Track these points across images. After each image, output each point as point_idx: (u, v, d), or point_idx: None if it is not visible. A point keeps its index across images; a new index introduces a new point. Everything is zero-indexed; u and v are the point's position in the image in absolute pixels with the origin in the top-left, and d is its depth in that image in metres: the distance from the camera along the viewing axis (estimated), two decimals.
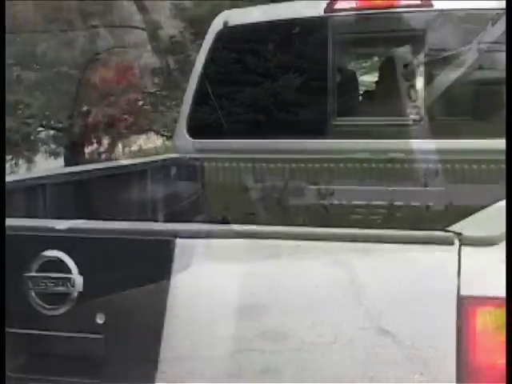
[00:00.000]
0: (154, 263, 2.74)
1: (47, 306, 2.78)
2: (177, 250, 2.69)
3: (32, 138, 13.50)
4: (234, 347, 2.65)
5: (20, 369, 2.85)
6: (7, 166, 13.25)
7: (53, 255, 2.78)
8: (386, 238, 2.61)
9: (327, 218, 4.69)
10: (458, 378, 2.47)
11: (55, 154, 13.78)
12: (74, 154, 13.73)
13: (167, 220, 4.55)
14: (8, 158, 13.29)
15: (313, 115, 4.89)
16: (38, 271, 2.79)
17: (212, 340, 2.68)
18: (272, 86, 5.10)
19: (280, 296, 2.64)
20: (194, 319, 2.70)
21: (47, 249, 2.79)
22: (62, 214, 3.67)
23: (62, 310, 2.77)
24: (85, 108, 13.53)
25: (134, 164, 4.85)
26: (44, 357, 2.85)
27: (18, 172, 13.19)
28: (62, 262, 2.77)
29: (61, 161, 13.74)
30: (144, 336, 2.73)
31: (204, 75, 4.98)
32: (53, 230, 2.83)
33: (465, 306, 2.47)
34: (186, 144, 5.00)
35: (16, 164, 13.43)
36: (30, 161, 13.47)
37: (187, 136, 5.00)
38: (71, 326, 2.78)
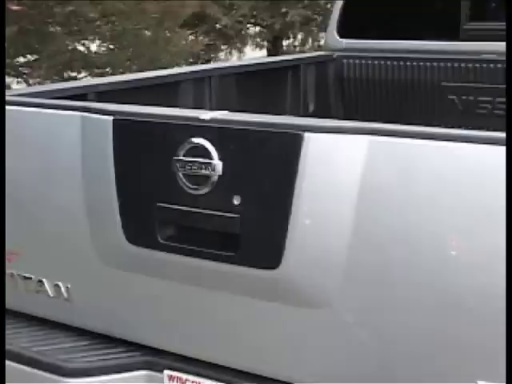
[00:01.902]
0: (284, 154, 2.32)
1: (191, 186, 2.41)
2: (305, 144, 2.26)
3: (243, 32, 13.15)
4: (357, 239, 2.22)
5: (168, 238, 2.51)
6: (222, 54, 13.04)
7: (198, 142, 2.39)
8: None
9: (456, 111, 4.11)
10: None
11: (260, 46, 13.44)
12: (274, 47, 13.36)
13: (313, 113, 4.08)
14: (224, 47, 13.08)
15: (447, 19, 4.25)
16: (185, 155, 2.41)
17: (335, 229, 2.25)
18: None
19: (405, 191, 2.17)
20: (318, 208, 2.28)
21: (193, 136, 2.40)
22: (222, 105, 3.26)
23: (203, 191, 2.40)
24: (284, 9, 13.05)
25: (289, 60, 4.32)
26: (188, 229, 2.50)
27: (231, 59, 12.97)
28: (205, 148, 2.38)
29: (264, 52, 13.39)
30: (274, 217, 2.34)
31: None
32: (198, 119, 2.42)
33: None
34: (335, 43, 4.43)
35: (230, 53, 13.17)
36: (240, 51, 13.18)
37: (336, 36, 4.41)
38: (211, 205, 2.41)
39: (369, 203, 2.21)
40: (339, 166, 2.24)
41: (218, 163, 2.36)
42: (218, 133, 2.38)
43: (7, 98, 2.83)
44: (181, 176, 2.41)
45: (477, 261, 2.09)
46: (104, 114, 2.55)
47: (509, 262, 2.00)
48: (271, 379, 2.46)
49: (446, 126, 2.27)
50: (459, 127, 2.35)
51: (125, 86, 3.21)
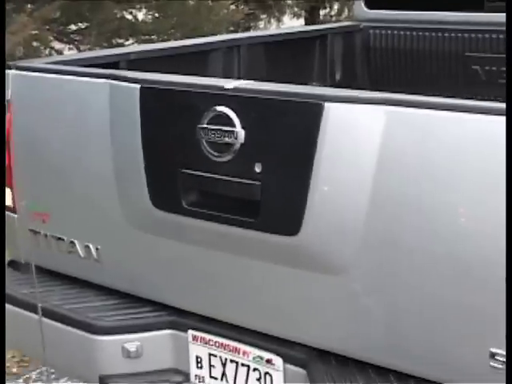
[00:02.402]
0: (305, 123, 2.21)
1: (215, 154, 2.32)
2: (325, 113, 2.15)
3: (281, 2, 12.87)
4: (374, 206, 2.12)
5: (192, 203, 2.42)
6: (261, 23, 12.80)
7: (221, 110, 2.29)
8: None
9: (479, 81, 3.94)
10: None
11: (297, 16, 13.12)
12: (311, 16, 13.08)
13: (339, 83, 3.93)
14: (263, 16, 12.83)
15: None
16: (208, 123, 2.31)
17: (353, 196, 2.15)
18: None
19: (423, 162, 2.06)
20: (337, 176, 2.18)
21: (217, 105, 2.30)
22: (250, 74, 3.14)
23: (226, 158, 2.31)
24: None
25: (317, 29, 4.16)
26: (211, 196, 2.41)
27: (270, 28, 12.71)
28: (228, 116, 2.28)
29: (301, 21, 13.11)
30: (294, 184, 2.23)
31: None
32: (222, 88, 2.31)
33: None
34: (362, 13, 4.24)
35: (269, 22, 12.90)
36: (278, 20, 12.91)
37: (363, 6, 4.22)
38: (234, 172, 2.32)
39: (386, 172, 2.11)
40: (358, 135, 2.15)
41: (240, 131, 2.26)
42: (240, 102, 2.28)
43: (41, 65, 2.76)
44: (205, 143, 2.32)
45: (488, 229, 1.99)
46: (132, 82, 2.47)
47: (509, 261, 1.90)
48: (291, 342, 2.38)
49: (469, 96, 2.13)
50: (482, 97, 2.22)
51: (155, 54, 3.10)
